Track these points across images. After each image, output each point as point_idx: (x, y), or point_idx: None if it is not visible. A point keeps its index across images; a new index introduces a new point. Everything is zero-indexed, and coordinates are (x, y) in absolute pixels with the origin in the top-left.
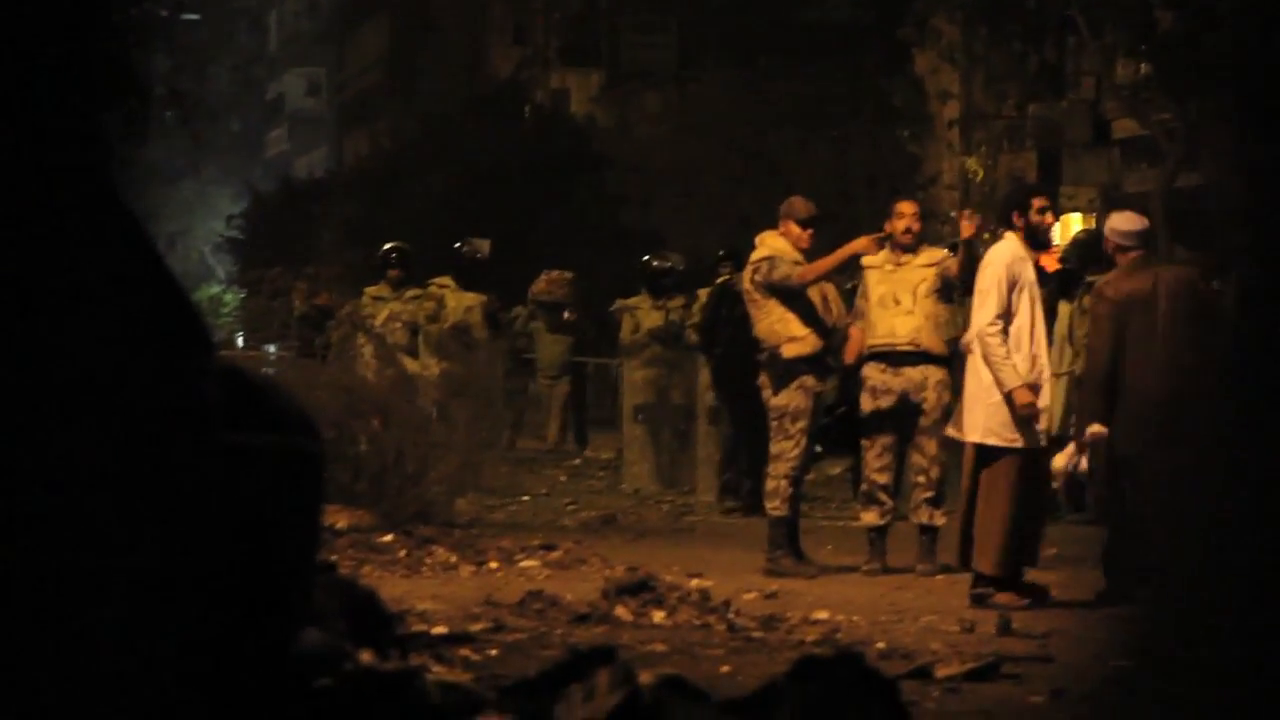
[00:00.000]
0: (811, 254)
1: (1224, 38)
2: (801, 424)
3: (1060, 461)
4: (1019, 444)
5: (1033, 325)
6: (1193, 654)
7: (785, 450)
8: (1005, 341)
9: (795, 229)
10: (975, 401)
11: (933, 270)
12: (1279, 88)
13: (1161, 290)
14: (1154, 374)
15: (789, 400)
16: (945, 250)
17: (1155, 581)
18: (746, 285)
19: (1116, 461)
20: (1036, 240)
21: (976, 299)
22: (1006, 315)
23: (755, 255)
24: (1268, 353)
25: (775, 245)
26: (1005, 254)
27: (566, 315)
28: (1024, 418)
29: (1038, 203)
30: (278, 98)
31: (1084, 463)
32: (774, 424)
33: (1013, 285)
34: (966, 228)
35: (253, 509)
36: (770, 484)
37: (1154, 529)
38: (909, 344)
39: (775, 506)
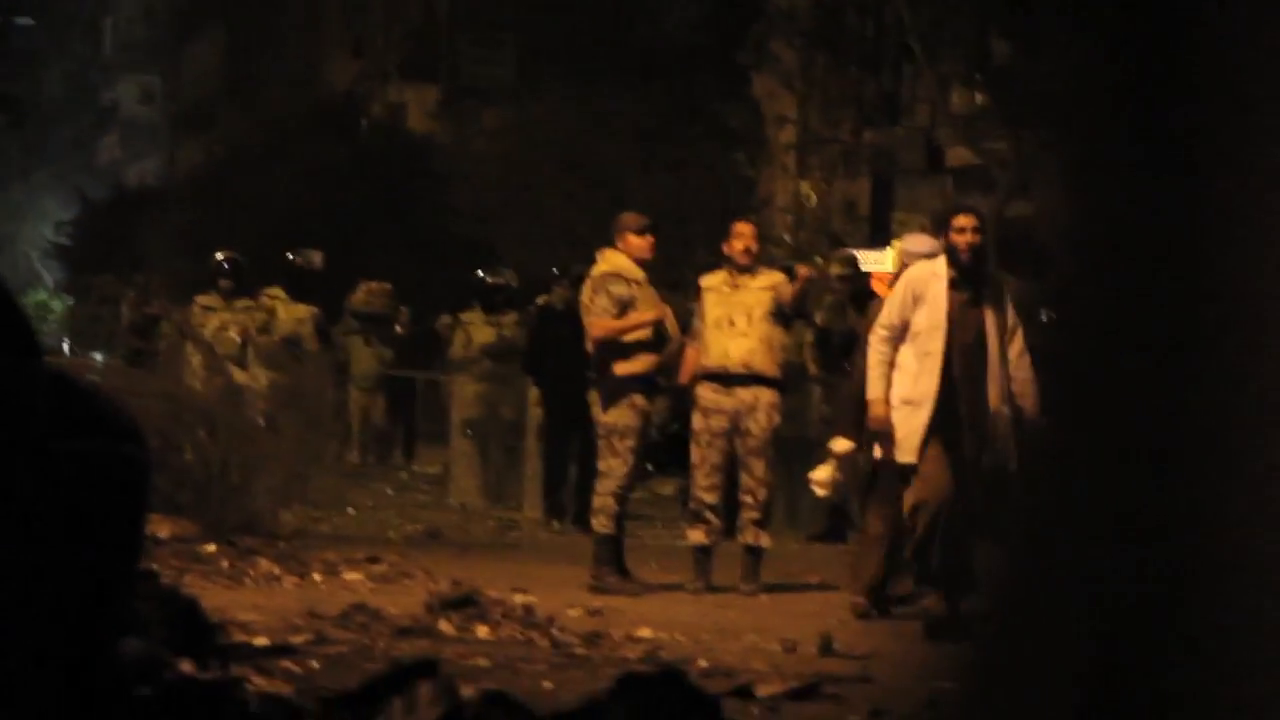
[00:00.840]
0: (653, 264)
1: (1057, 68)
2: (630, 442)
3: (823, 474)
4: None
5: (928, 346)
6: (1013, 676)
7: (613, 468)
8: (886, 352)
9: (634, 240)
10: None
11: (769, 293)
12: (1110, 120)
13: None
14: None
15: (618, 418)
16: (782, 274)
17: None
18: (584, 300)
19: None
20: (956, 260)
21: None
22: (901, 329)
23: (594, 270)
24: (1085, 383)
25: (615, 261)
26: (917, 270)
27: (399, 329)
28: (878, 431)
29: (956, 221)
30: (111, 104)
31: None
32: (602, 441)
33: (914, 301)
34: (804, 271)
35: (75, 515)
36: (597, 501)
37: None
38: (742, 366)
39: (601, 524)
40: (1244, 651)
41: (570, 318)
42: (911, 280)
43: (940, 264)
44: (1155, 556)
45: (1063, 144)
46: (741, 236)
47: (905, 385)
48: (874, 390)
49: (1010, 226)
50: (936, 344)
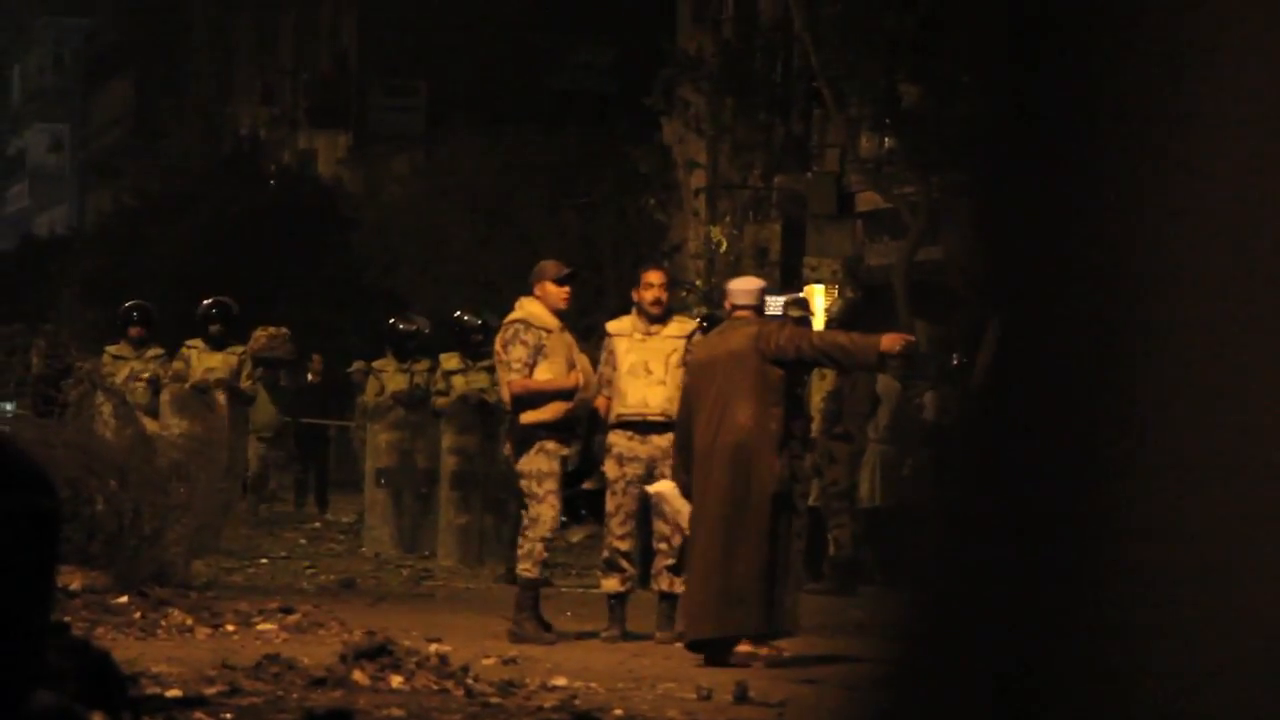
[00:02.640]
0: (569, 313)
1: (965, 113)
2: (549, 485)
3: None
4: None
5: None
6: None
7: (540, 513)
8: None
9: (552, 288)
10: None
11: (683, 341)
12: (1016, 165)
13: (722, 352)
14: (706, 430)
15: (532, 464)
16: (696, 321)
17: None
18: (498, 349)
19: None
20: None
21: None
22: None
23: (510, 317)
24: (988, 428)
25: (529, 309)
26: None
27: (311, 377)
28: None
29: None
30: (19, 153)
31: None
32: (524, 488)
33: None
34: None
35: None
36: (525, 546)
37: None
38: (660, 414)
39: (527, 569)
40: (1137, 672)
41: None
42: None
43: None
44: (1066, 606)
45: (972, 188)
46: (651, 287)
47: None
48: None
49: (920, 271)
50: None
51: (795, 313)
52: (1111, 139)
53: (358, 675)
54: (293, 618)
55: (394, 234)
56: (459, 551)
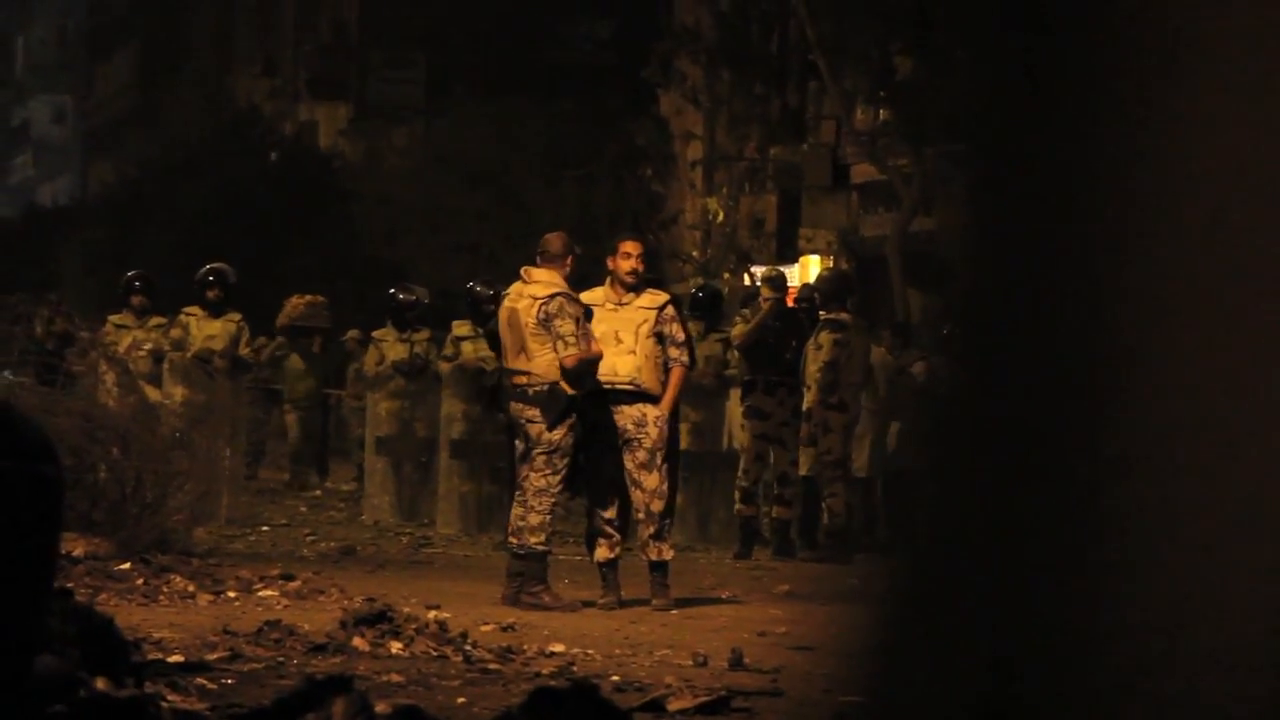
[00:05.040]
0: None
1: (958, 86)
2: (567, 460)
3: None
4: None
5: None
6: (923, 690)
7: (551, 485)
8: None
9: (572, 262)
10: None
11: (653, 313)
12: (1011, 136)
13: None
14: None
15: (561, 437)
16: (666, 295)
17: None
18: (529, 320)
19: None
20: None
21: None
22: None
23: (540, 291)
24: (981, 397)
25: (560, 281)
26: None
27: (314, 347)
28: None
29: None
30: (23, 124)
31: None
32: (543, 458)
33: None
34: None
35: None
36: (535, 519)
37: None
38: (629, 383)
39: (539, 541)
40: (1141, 646)
41: None
42: None
43: None
44: (1054, 568)
45: (965, 160)
46: (629, 257)
47: None
48: None
49: (913, 242)
50: None
51: (767, 293)
52: (1109, 113)
53: (358, 641)
54: (293, 584)
55: (393, 205)
56: (459, 519)
